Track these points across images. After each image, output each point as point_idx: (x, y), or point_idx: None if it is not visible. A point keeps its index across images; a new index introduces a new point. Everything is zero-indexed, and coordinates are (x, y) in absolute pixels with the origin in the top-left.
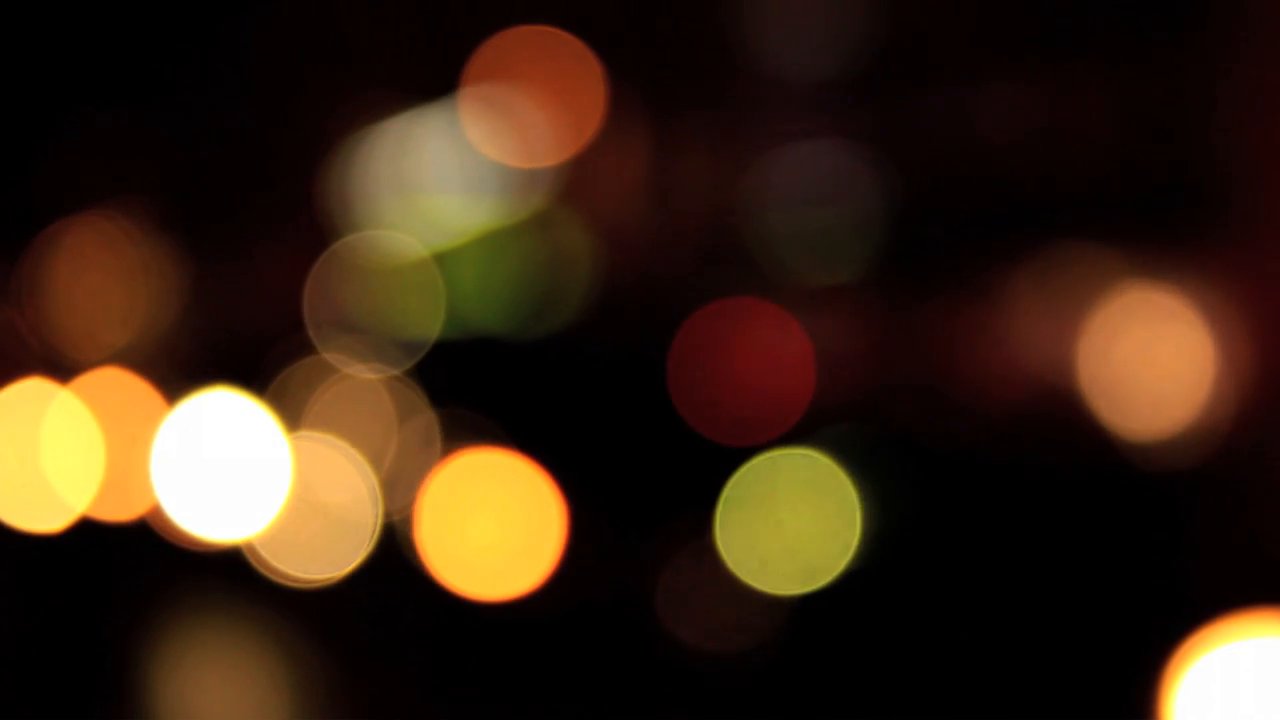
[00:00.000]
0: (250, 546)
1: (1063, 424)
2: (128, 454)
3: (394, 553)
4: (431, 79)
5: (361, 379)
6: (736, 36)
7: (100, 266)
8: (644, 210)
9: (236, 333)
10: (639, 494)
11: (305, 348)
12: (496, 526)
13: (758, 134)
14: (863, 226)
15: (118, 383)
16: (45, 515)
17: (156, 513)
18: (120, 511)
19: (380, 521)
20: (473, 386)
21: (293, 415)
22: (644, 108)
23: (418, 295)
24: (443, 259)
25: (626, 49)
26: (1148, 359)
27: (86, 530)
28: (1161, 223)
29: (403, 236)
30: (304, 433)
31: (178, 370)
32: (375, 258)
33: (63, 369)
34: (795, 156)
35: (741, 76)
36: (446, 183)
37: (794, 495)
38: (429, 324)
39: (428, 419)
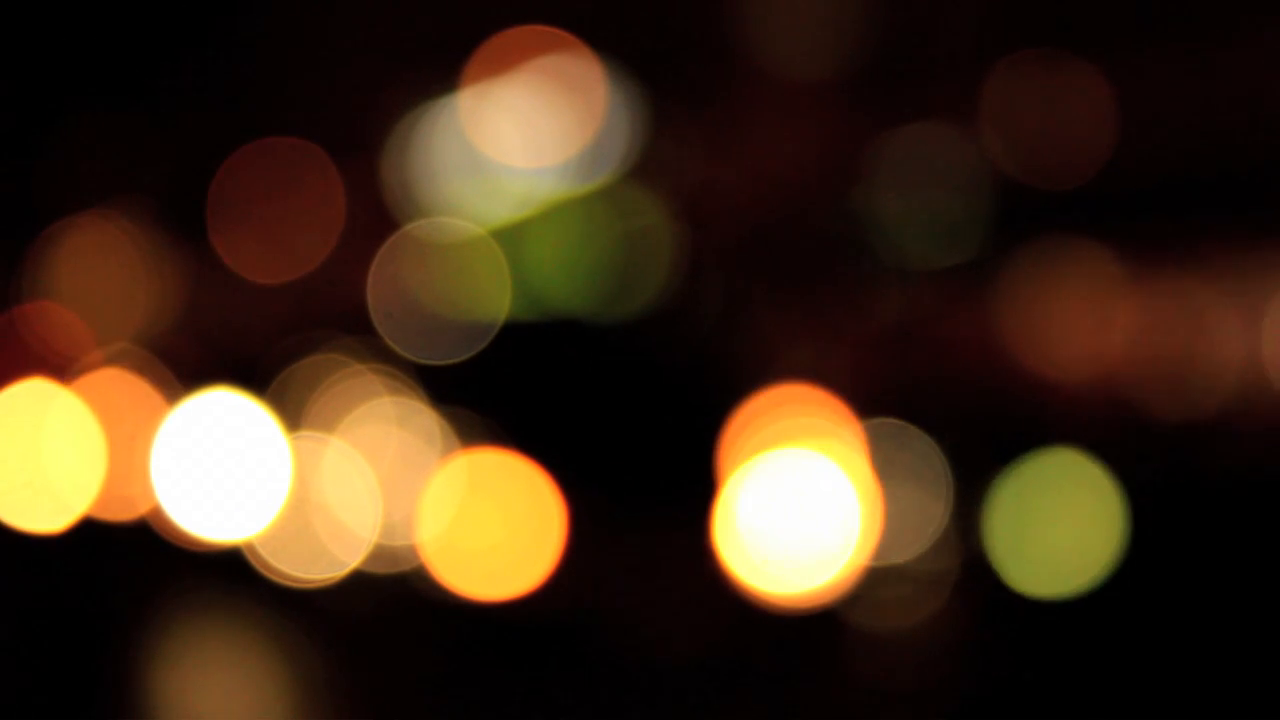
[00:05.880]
0: (250, 546)
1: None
2: (128, 454)
3: (394, 553)
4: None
5: (362, 379)
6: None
7: (100, 266)
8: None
9: (236, 333)
10: (639, 494)
11: (305, 347)
12: (496, 526)
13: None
14: (966, 211)
15: (118, 383)
16: (46, 515)
17: (157, 513)
18: (121, 511)
19: (380, 521)
20: (474, 386)
21: (293, 415)
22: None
23: (478, 277)
24: (505, 239)
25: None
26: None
27: (87, 530)
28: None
29: (462, 219)
30: (304, 433)
31: (178, 370)
32: (435, 241)
33: (63, 369)
34: (899, 141)
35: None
36: (508, 161)
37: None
38: (493, 307)
39: (428, 419)
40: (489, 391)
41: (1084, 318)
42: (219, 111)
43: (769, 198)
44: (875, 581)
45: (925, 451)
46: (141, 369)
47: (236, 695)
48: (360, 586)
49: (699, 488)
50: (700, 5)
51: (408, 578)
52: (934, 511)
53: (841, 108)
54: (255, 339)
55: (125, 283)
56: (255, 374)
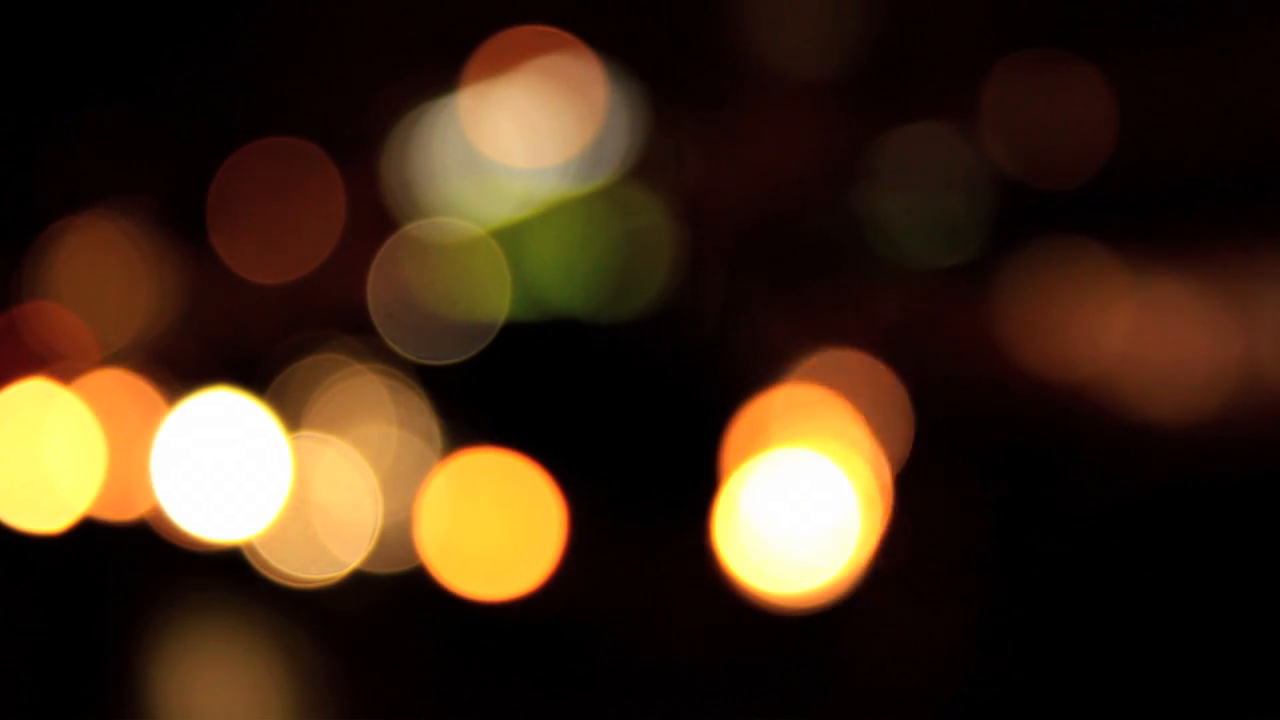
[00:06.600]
0: (250, 546)
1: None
2: (128, 454)
3: (394, 553)
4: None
5: (361, 379)
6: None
7: (100, 266)
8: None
9: (236, 333)
10: (639, 494)
11: (305, 347)
12: (496, 526)
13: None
14: (966, 211)
15: (118, 383)
16: (46, 515)
17: (157, 513)
18: (121, 512)
19: (380, 521)
20: (474, 386)
21: (293, 415)
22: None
23: (478, 277)
24: (505, 239)
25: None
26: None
27: (87, 530)
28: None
29: (462, 219)
30: (304, 433)
31: (178, 370)
32: (435, 241)
33: (63, 369)
34: (901, 139)
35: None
36: (508, 161)
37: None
38: (493, 307)
39: (428, 419)
40: (489, 391)
41: (1084, 318)
42: (219, 111)
43: (769, 197)
44: (877, 581)
45: (925, 451)
46: (141, 369)
47: (236, 695)
48: (360, 586)
49: (700, 488)
50: (701, 5)
51: (408, 578)
52: (932, 510)
53: (842, 107)
54: (255, 339)
55: (125, 283)
56: (255, 374)
